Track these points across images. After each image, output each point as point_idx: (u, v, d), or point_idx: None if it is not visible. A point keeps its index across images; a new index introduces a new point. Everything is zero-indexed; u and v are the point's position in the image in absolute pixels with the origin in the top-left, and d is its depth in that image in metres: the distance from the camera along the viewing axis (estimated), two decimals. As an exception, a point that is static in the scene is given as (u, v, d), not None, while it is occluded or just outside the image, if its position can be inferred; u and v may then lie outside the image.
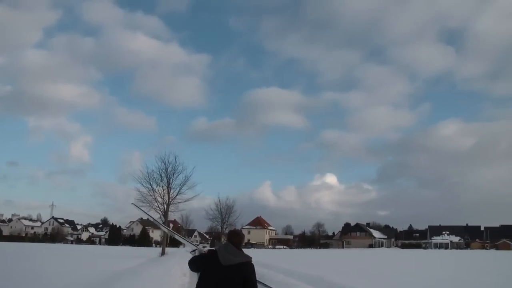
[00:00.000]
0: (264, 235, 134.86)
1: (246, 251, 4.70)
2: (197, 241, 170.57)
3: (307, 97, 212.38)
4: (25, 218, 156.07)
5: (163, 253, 46.91)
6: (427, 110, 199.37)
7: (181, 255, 46.68)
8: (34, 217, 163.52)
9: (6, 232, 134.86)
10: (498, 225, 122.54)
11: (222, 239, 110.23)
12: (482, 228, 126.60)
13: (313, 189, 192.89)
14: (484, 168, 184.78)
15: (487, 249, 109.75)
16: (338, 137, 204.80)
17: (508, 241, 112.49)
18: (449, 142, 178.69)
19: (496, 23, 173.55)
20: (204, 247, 5.39)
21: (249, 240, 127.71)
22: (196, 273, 18.15)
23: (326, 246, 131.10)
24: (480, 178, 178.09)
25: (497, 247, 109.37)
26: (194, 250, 5.12)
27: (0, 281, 15.86)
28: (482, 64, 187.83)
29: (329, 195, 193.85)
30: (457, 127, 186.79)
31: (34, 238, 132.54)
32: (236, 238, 4.73)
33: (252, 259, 4.67)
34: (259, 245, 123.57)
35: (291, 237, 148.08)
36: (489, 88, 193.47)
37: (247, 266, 4.53)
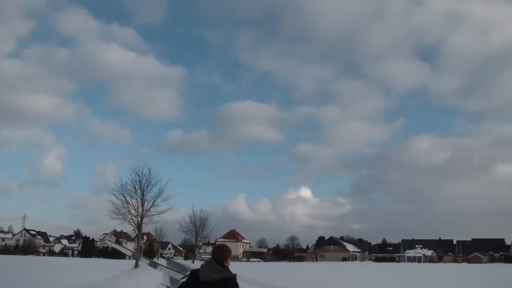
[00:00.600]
0: (238, 248, 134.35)
1: None
2: (170, 254, 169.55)
3: (282, 111, 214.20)
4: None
5: (136, 265, 46.58)
6: (401, 125, 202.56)
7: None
8: (5, 229, 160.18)
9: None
10: (470, 239, 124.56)
11: (196, 252, 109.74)
12: (454, 242, 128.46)
13: (288, 202, 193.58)
14: (457, 183, 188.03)
15: (459, 262, 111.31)
16: (313, 151, 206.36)
17: (479, 255, 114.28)
18: (422, 157, 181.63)
19: (469, 39, 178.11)
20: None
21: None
22: (170, 286, 18.24)
23: (300, 259, 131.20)
24: (453, 192, 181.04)
25: (469, 261, 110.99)
26: (185, 276, 4.89)
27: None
28: (455, 80, 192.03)
29: (303, 208, 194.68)
30: (430, 142, 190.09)
31: (5, 250, 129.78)
32: (218, 253, 4.47)
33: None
34: (233, 258, 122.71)
35: (265, 250, 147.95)
36: (462, 103, 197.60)
37: (227, 283, 4.25)
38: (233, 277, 4.30)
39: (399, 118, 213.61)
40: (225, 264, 4.40)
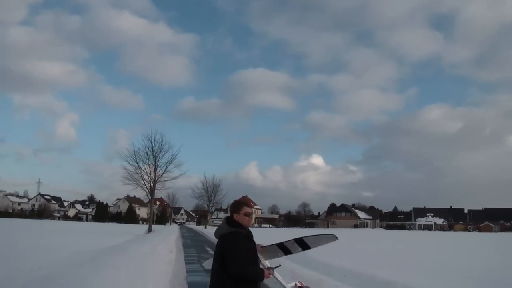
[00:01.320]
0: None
1: None
2: (183, 219, 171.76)
3: (294, 78, 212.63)
4: (11, 195, 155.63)
5: (149, 230, 47.33)
6: (414, 94, 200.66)
7: (168, 232, 47.22)
8: (21, 194, 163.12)
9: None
10: (481, 208, 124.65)
11: (208, 217, 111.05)
12: (465, 211, 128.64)
13: (299, 169, 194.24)
14: (469, 152, 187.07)
15: (469, 231, 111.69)
16: (324, 119, 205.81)
17: (490, 224, 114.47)
18: (435, 126, 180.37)
19: (484, 10, 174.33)
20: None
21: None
22: (182, 251, 18.53)
23: (311, 225, 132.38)
24: (465, 162, 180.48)
25: (479, 229, 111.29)
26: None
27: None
28: (469, 50, 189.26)
29: (315, 175, 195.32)
30: (443, 112, 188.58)
31: (21, 214, 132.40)
32: (230, 209, 4.51)
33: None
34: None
35: (277, 216, 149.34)
36: (476, 73, 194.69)
37: (226, 238, 4.25)
38: (230, 233, 4.26)
39: (412, 88, 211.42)
40: (236, 217, 4.34)
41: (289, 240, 5.11)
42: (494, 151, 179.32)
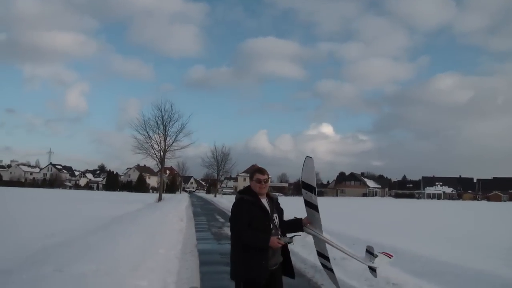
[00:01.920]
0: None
1: None
2: (193, 188, 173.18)
3: (304, 47, 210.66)
4: (23, 164, 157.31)
5: (160, 198, 47.83)
6: (425, 63, 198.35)
7: (178, 201, 47.68)
8: (33, 163, 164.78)
9: (6, 177, 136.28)
10: (490, 177, 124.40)
11: (218, 186, 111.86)
12: (474, 180, 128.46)
13: (309, 138, 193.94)
14: (480, 122, 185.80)
15: (478, 200, 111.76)
16: (335, 87, 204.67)
17: (499, 193, 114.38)
18: (445, 95, 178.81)
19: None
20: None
21: (244, 187, 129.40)
22: (192, 219, 18.72)
23: (320, 194, 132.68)
24: (475, 131, 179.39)
25: (488, 199, 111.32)
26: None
27: (5, 224, 16.47)
28: (481, 18, 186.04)
29: (324, 144, 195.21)
30: (454, 81, 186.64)
31: (33, 183, 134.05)
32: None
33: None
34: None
35: (286, 185, 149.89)
36: (488, 42, 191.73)
37: (232, 205, 4.41)
38: (236, 200, 4.39)
39: (423, 56, 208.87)
40: (250, 184, 4.41)
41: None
42: (505, 121, 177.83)
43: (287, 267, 4.36)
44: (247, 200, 4.30)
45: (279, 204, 4.49)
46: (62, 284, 5.83)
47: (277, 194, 4.60)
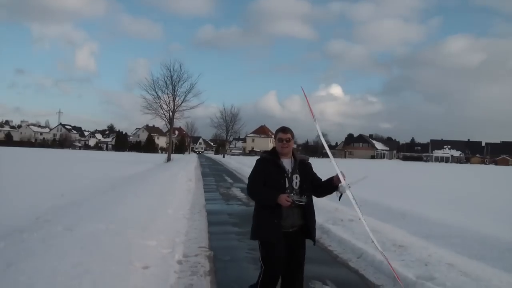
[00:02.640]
0: (268, 143, 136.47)
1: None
2: (201, 148, 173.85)
3: (315, 7, 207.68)
4: (33, 125, 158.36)
5: (168, 159, 48.13)
6: (437, 24, 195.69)
7: (187, 161, 47.97)
8: (43, 124, 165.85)
9: (16, 137, 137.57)
10: (499, 141, 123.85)
11: (226, 147, 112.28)
12: (483, 144, 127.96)
13: (318, 99, 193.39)
14: (490, 85, 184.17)
15: (486, 164, 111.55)
16: (345, 48, 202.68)
17: (507, 157, 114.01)
18: (457, 58, 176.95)
19: None
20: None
21: (253, 148, 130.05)
22: (201, 179, 18.81)
23: (328, 156, 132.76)
24: (485, 95, 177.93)
25: (496, 163, 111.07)
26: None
27: (16, 183, 16.67)
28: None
29: (333, 106, 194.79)
30: (466, 43, 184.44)
31: (44, 143, 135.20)
32: None
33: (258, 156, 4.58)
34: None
35: (294, 146, 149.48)
36: (501, 3, 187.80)
37: None
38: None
39: (435, 18, 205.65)
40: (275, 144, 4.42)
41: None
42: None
43: (308, 230, 4.25)
44: (264, 158, 4.35)
45: (308, 166, 4.40)
46: (72, 243, 5.93)
47: (307, 156, 4.35)
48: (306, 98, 4.98)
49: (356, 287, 5.76)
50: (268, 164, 4.27)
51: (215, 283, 5.54)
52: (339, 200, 4.31)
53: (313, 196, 4.36)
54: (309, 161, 4.47)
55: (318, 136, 4.69)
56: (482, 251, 7.43)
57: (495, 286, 5.19)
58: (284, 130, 4.37)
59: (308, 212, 4.21)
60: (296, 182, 4.22)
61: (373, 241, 4.25)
